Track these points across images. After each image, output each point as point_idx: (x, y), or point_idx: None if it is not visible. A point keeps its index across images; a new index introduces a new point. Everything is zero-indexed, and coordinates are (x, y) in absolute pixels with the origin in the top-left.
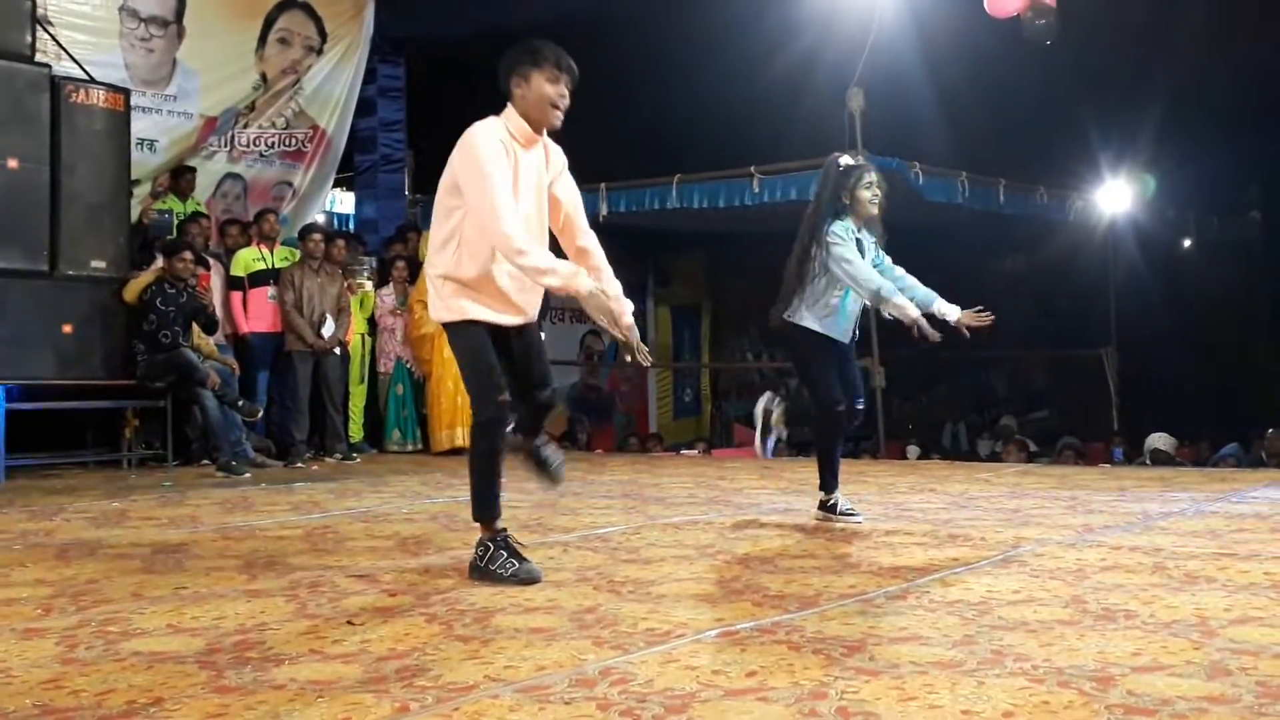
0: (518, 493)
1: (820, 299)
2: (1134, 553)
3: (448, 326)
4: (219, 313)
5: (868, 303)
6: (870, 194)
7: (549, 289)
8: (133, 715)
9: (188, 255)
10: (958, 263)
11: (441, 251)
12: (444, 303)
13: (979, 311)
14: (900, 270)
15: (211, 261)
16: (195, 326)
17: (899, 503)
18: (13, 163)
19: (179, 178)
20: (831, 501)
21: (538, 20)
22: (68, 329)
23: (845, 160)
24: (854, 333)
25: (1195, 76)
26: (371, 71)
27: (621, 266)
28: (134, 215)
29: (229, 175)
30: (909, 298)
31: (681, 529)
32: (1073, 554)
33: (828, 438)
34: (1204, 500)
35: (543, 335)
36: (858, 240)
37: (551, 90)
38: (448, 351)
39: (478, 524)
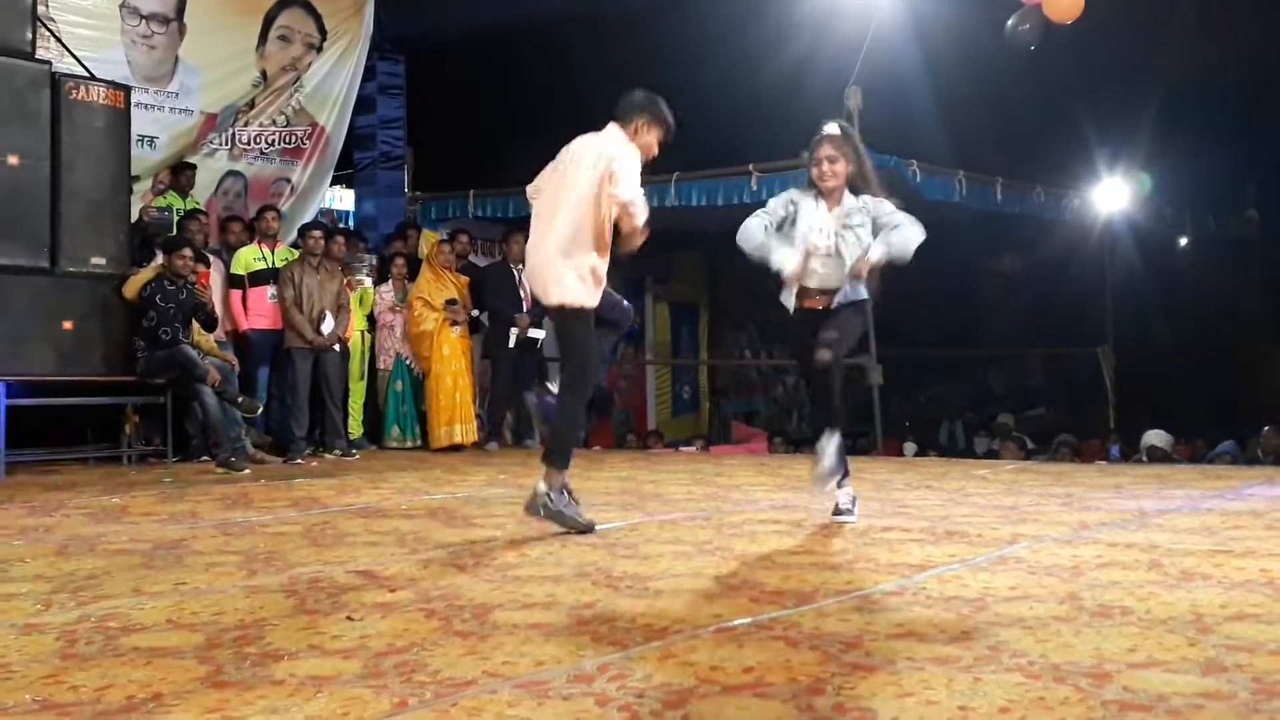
0: (515, 489)
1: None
2: (1130, 549)
3: (584, 312)
4: (218, 310)
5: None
6: (816, 171)
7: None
8: (132, 710)
9: (187, 253)
10: (955, 261)
11: (588, 238)
12: (589, 287)
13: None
14: (895, 228)
15: (211, 259)
16: (195, 323)
17: (896, 500)
18: (13, 159)
19: (179, 174)
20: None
21: (537, 18)
22: (68, 325)
23: (830, 129)
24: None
25: (1192, 75)
26: (371, 69)
27: (619, 264)
28: (134, 212)
29: (230, 173)
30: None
31: (679, 526)
32: (1069, 551)
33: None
34: (1200, 497)
35: (542, 334)
36: (794, 208)
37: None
38: (447, 348)
39: (553, 468)
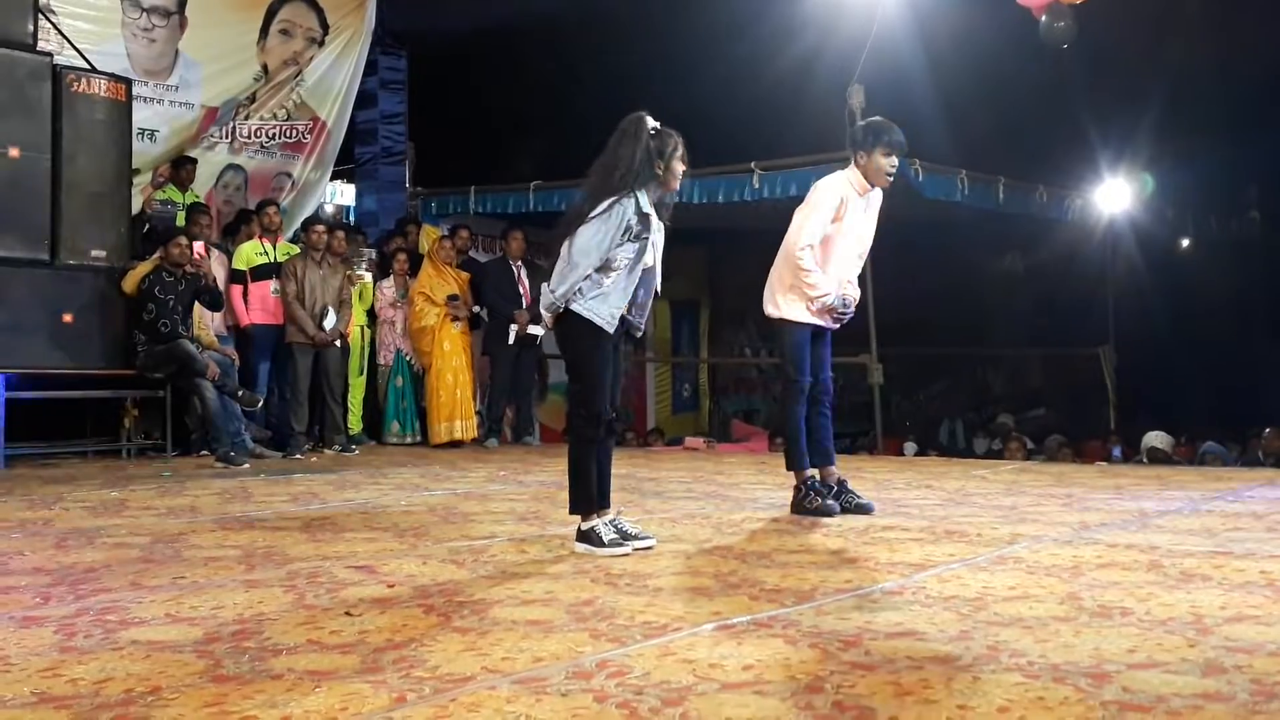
0: (516, 485)
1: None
2: (1130, 550)
3: None
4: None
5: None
6: (683, 167)
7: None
8: (130, 704)
9: (183, 240)
10: (956, 261)
11: None
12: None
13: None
14: None
15: (215, 253)
16: (196, 316)
17: (896, 499)
18: (14, 151)
19: (179, 168)
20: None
21: (539, 14)
22: (68, 318)
23: (654, 123)
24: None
25: (1194, 76)
26: (373, 64)
27: None
28: (135, 205)
29: (230, 166)
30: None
31: (679, 523)
32: (1069, 551)
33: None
34: (1200, 499)
35: (542, 330)
36: (644, 215)
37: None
38: (448, 344)
39: None
